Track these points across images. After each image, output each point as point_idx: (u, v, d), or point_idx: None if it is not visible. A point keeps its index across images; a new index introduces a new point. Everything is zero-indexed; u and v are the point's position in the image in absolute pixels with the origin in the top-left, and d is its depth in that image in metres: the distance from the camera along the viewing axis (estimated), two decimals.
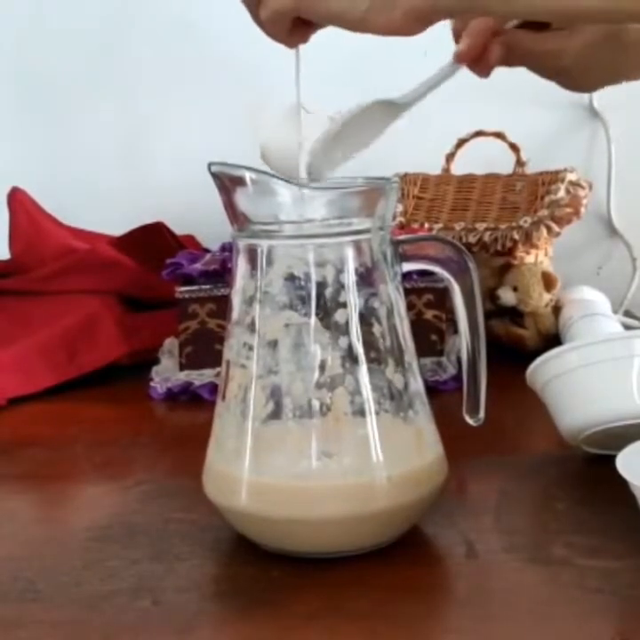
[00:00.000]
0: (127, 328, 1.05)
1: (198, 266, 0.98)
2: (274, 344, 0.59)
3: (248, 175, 0.57)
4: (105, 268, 1.09)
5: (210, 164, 0.58)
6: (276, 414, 0.59)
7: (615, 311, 1.22)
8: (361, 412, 0.59)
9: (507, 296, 1.08)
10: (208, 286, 0.97)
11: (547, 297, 1.10)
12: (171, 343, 1.02)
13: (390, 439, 0.59)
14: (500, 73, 0.67)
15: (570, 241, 1.21)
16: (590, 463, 0.74)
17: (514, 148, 1.17)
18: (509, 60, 0.67)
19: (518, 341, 1.08)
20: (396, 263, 0.61)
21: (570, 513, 0.66)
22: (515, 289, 1.08)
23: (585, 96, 1.27)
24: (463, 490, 0.70)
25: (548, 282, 1.10)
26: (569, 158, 1.18)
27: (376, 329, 0.60)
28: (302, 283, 0.59)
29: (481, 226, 1.10)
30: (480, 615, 0.54)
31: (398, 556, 0.60)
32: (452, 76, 0.67)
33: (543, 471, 0.73)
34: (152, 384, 0.97)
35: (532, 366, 0.74)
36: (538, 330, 1.08)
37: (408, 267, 0.62)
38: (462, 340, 0.63)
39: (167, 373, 0.98)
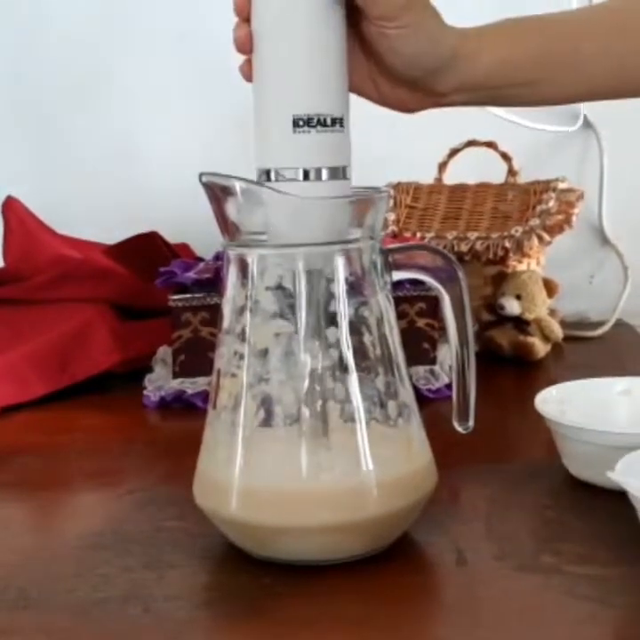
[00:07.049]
0: (120, 336, 1.05)
1: (191, 274, 0.98)
2: (264, 353, 0.60)
3: (238, 185, 0.58)
4: (98, 277, 1.09)
5: (201, 175, 0.59)
6: (266, 423, 0.59)
7: (607, 320, 1.23)
8: (351, 421, 0.59)
9: (511, 305, 1.08)
10: (201, 295, 0.97)
11: (548, 303, 1.10)
12: (164, 351, 1.02)
13: (380, 447, 0.60)
14: None
15: (562, 250, 1.22)
16: None
17: (506, 157, 1.18)
18: None
19: (527, 350, 1.07)
20: (385, 272, 0.62)
21: (559, 521, 0.66)
22: (518, 297, 1.08)
23: (578, 106, 1.28)
24: (454, 498, 0.71)
25: (550, 288, 1.10)
26: (561, 168, 1.19)
27: (366, 338, 0.60)
28: (292, 292, 0.59)
29: (473, 235, 1.11)
30: (470, 622, 0.54)
31: (389, 564, 0.60)
32: None
33: (533, 479, 0.73)
34: (145, 392, 0.97)
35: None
36: (544, 336, 1.08)
37: (398, 276, 0.62)
38: (451, 349, 0.64)
39: (160, 382, 0.98)
